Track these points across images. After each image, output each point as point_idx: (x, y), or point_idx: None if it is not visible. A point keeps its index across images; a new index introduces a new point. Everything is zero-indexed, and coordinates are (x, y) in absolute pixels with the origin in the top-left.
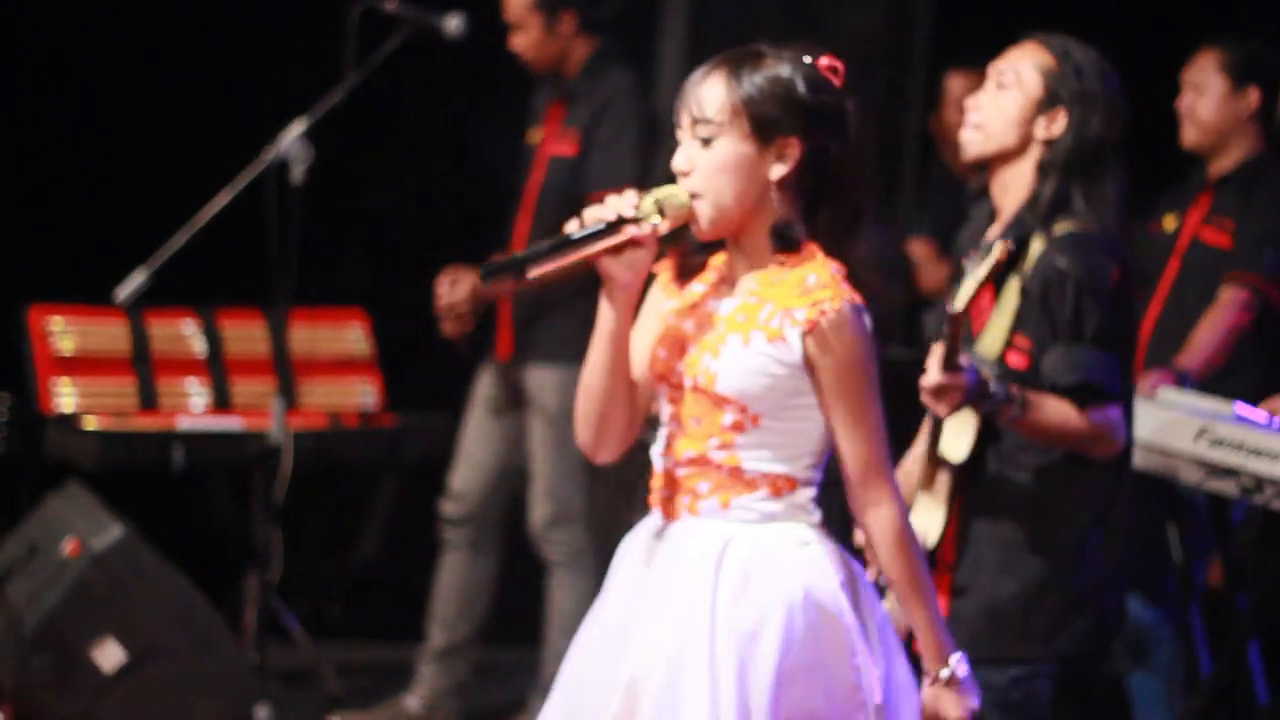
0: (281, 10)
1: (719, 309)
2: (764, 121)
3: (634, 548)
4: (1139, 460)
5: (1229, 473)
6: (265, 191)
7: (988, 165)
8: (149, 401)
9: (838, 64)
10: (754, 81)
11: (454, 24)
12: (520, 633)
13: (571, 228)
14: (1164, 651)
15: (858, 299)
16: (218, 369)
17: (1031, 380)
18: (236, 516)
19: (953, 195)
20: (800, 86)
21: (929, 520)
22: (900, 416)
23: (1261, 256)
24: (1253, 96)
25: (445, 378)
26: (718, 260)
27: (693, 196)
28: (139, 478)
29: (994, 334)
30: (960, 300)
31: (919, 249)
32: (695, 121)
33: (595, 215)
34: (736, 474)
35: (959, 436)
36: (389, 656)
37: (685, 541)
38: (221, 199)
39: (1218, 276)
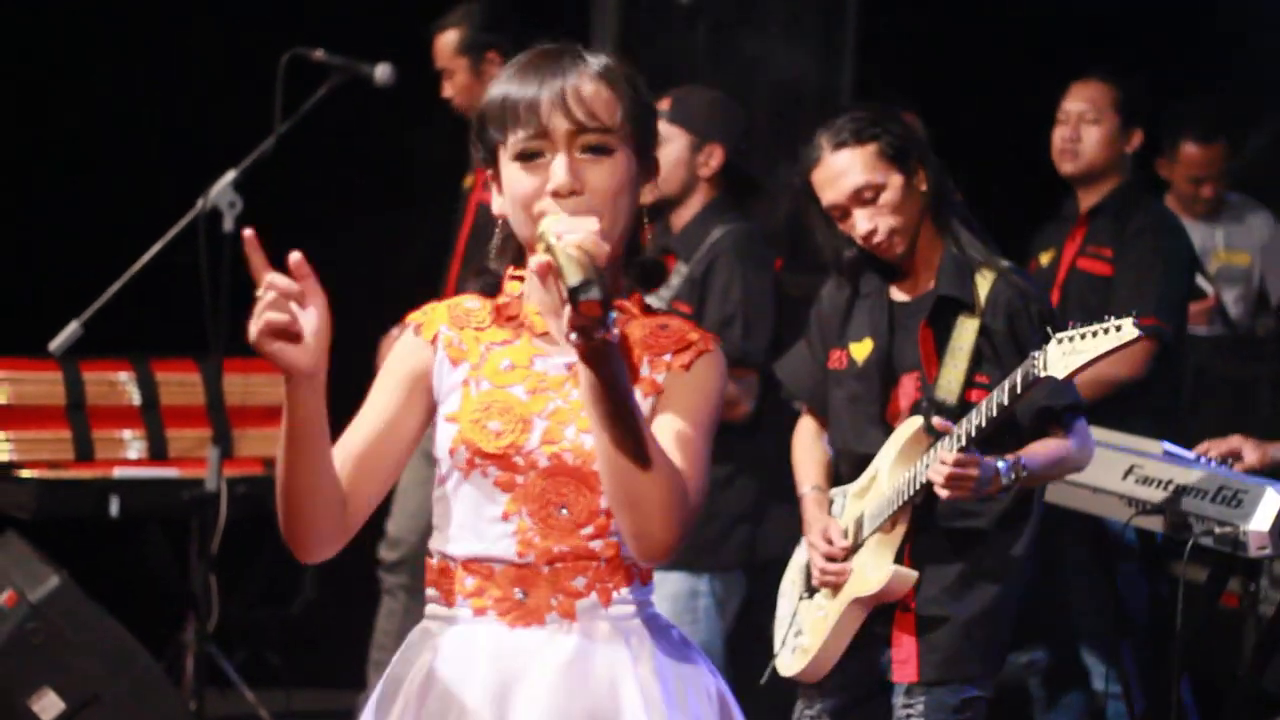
0: (210, 59)
1: (552, 368)
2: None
3: (465, 671)
4: (1066, 498)
5: (1157, 510)
6: (197, 241)
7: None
8: (85, 451)
9: None
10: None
11: (383, 72)
12: None
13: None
14: (1074, 691)
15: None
16: (153, 418)
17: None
18: (174, 565)
19: None
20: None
21: (879, 561)
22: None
23: (1148, 295)
24: (1136, 138)
25: None
26: (481, 308)
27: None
28: (76, 527)
29: (951, 376)
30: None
31: None
32: (583, 129)
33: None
34: (615, 564)
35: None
36: (328, 703)
37: (580, 662)
38: (153, 248)
39: (1098, 303)
